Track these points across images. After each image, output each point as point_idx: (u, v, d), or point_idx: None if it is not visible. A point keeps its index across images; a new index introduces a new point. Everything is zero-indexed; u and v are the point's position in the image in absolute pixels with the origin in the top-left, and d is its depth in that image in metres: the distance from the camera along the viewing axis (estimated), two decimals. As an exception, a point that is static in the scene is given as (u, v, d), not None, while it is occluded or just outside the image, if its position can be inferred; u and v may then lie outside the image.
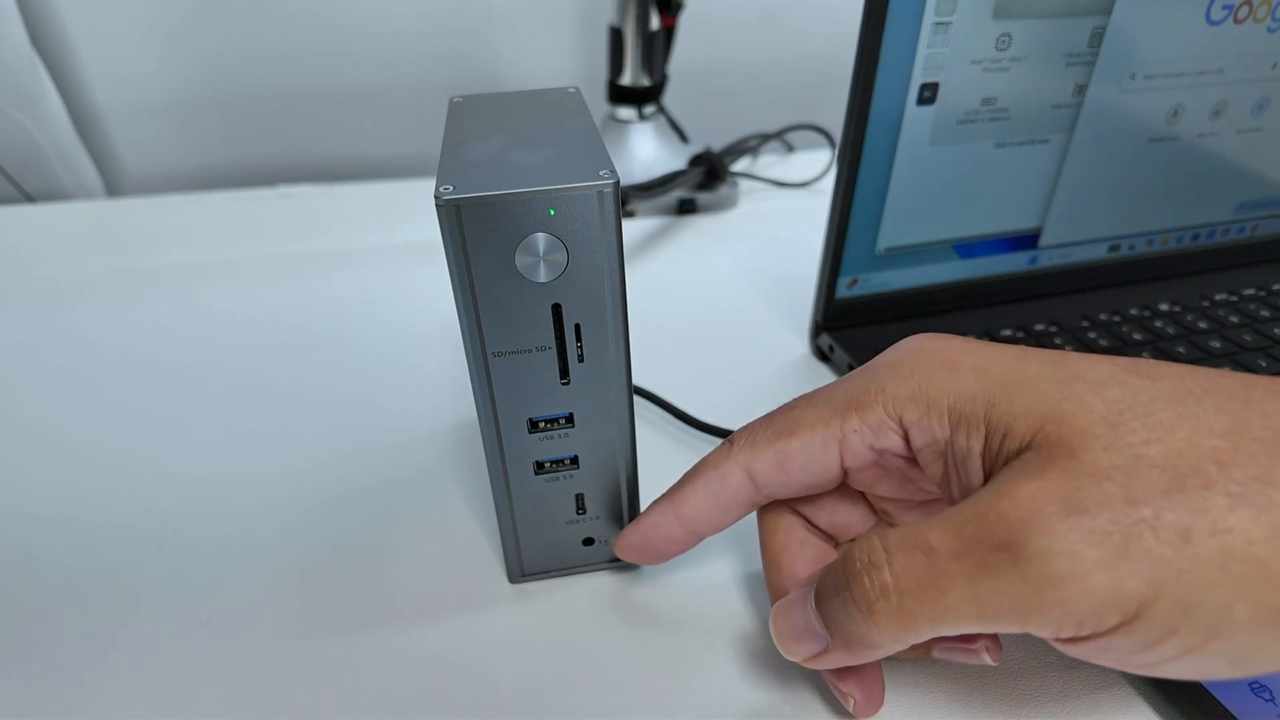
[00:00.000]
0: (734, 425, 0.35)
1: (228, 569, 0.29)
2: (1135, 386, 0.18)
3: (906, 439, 0.21)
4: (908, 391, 0.21)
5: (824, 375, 0.41)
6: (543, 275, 0.22)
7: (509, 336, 0.23)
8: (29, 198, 0.62)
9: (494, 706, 0.24)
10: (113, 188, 0.68)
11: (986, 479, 0.19)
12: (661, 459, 0.30)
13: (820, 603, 0.20)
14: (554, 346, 0.24)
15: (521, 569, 0.29)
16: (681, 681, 0.25)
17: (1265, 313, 0.43)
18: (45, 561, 0.30)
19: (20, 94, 0.58)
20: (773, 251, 0.52)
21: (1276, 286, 0.45)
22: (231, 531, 0.31)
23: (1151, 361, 0.19)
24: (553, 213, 0.21)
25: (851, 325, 0.40)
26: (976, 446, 0.19)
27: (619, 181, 0.21)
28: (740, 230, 0.55)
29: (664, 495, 0.25)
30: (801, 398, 0.24)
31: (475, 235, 0.21)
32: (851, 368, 0.39)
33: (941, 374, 0.21)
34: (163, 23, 0.62)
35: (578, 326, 0.23)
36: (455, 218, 0.21)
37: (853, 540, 0.22)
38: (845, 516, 0.25)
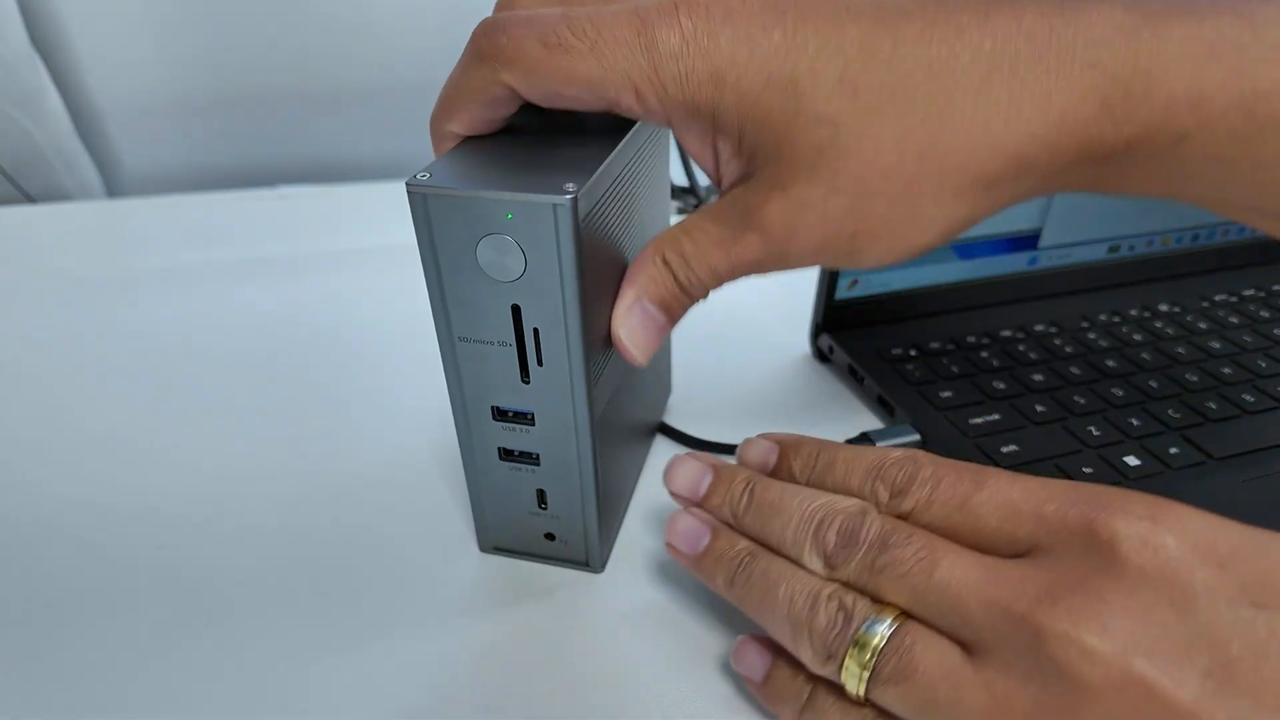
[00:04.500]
0: (734, 426, 0.35)
1: (229, 568, 0.29)
2: (843, 118, 0.21)
3: (674, 128, 0.23)
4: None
5: (824, 376, 0.41)
6: (501, 275, 0.23)
7: (472, 325, 0.24)
8: (29, 198, 0.62)
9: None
10: (113, 188, 0.68)
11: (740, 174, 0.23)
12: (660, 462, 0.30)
13: (665, 305, 0.24)
14: (514, 344, 0.24)
15: (490, 542, 0.30)
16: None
17: (1265, 313, 0.43)
18: (45, 562, 0.30)
19: (21, 94, 0.58)
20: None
21: (1276, 287, 0.45)
22: (232, 530, 0.31)
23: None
24: (510, 217, 0.21)
25: (852, 326, 0.40)
26: (728, 149, 0.22)
27: (577, 199, 0.21)
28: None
29: (437, 116, 0.24)
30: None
31: (441, 225, 0.22)
32: (852, 369, 0.39)
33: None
34: (163, 23, 0.62)
35: (536, 331, 0.24)
36: (422, 206, 0.22)
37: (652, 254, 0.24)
38: None
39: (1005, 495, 0.20)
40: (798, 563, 0.22)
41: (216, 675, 0.26)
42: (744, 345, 0.43)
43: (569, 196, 0.21)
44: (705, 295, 0.24)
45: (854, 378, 0.39)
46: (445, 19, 0.65)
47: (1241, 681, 0.16)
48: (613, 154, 0.23)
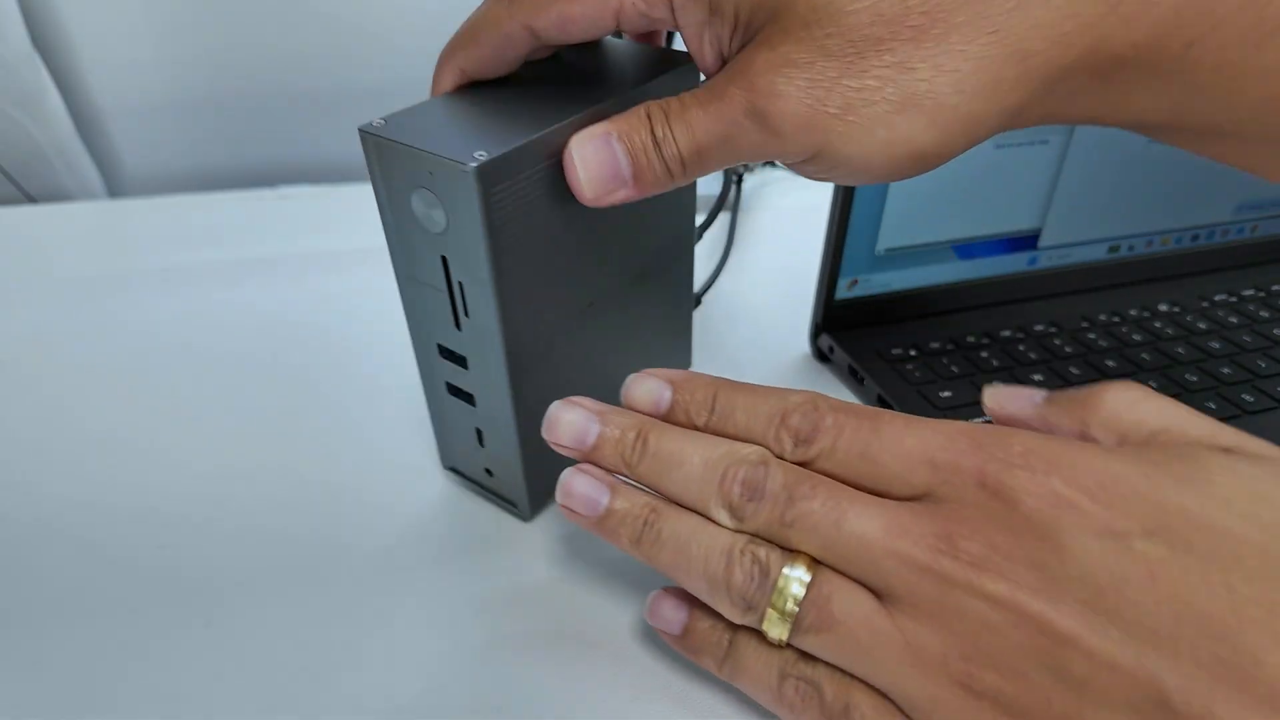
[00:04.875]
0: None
1: (229, 569, 0.29)
2: None
3: (675, 15, 0.24)
4: None
5: (824, 376, 0.41)
6: (430, 226, 0.24)
7: (417, 267, 0.25)
8: (30, 198, 0.62)
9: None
10: (113, 188, 0.68)
11: (738, 52, 0.23)
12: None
13: (629, 155, 0.23)
14: (445, 292, 0.25)
15: (448, 463, 0.33)
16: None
17: (1265, 313, 0.43)
18: (45, 562, 0.30)
19: (21, 94, 0.58)
20: (773, 251, 0.52)
21: (1276, 287, 0.45)
22: (232, 530, 0.31)
23: None
24: (432, 174, 0.22)
25: (851, 326, 0.40)
26: (727, 31, 0.23)
27: (486, 167, 0.21)
28: (740, 229, 0.55)
29: (446, 54, 0.26)
30: None
31: (385, 171, 0.24)
32: (852, 369, 0.39)
33: None
34: (164, 22, 0.62)
35: (460, 284, 0.25)
36: (372, 150, 0.24)
37: (636, 112, 0.24)
38: None
39: (901, 443, 0.21)
40: (704, 515, 0.22)
41: (217, 675, 0.26)
42: (744, 345, 0.43)
43: (475, 164, 0.21)
44: (680, 168, 0.23)
45: (854, 378, 0.39)
46: (445, 19, 0.65)
47: (1110, 607, 0.17)
48: (562, 123, 0.24)
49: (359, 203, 0.60)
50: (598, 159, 0.23)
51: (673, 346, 0.38)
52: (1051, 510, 0.18)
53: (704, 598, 0.22)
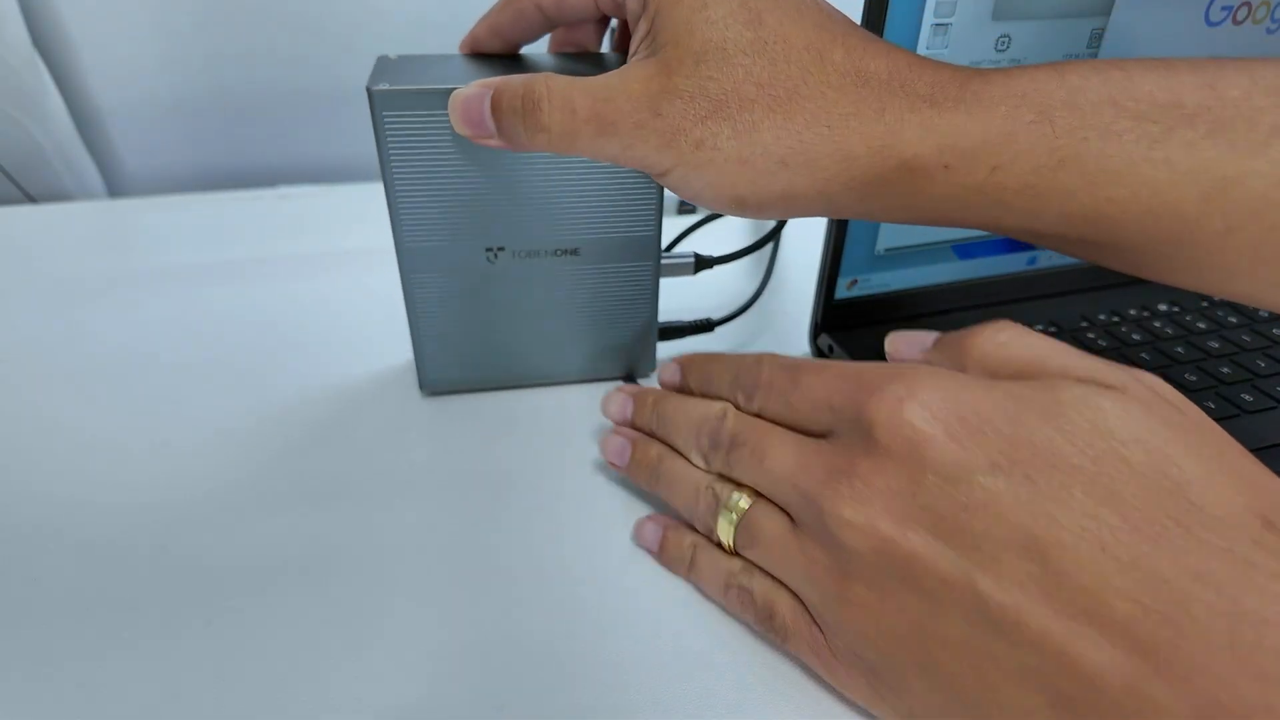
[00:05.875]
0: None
1: (229, 567, 0.30)
2: (737, 33, 0.24)
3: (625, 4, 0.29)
4: None
5: (824, 375, 0.41)
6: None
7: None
8: (30, 198, 0.62)
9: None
10: (114, 188, 0.68)
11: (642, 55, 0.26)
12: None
13: (496, 110, 0.27)
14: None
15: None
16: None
17: (1264, 312, 0.43)
18: (45, 562, 0.30)
19: (21, 94, 0.58)
20: (774, 250, 0.52)
21: (1275, 287, 0.45)
22: (232, 529, 0.31)
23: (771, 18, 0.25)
24: (369, 92, 0.30)
25: (851, 326, 0.40)
26: (643, 30, 0.26)
27: (383, 92, 0.29)
28: (740, 230, 0.55)
29: (482, 17, 0.32)
30: None
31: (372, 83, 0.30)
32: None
33: None
34: (164, 23, 0.62)
35: (385, 190, 0.32)
36: (377, 67, 0.31)
37: (531, 78, 0.27)
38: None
39: (813, 391, 0.25)
40: (690, 461, 0.29)
41: (217, 675, 0.26)
42: (743, 345, 0.43)
43: (372, 89, 0.30)
44: (545, 140, 0.26)
45: (853, 377, 0.39)
46: (444, 20, 0.65)
47: (949, 531, 0.20)
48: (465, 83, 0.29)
49: (359, 203, 0.60)
50: (467, 106, 0.27)
51: (633, 340, 0.39)
52: (911, 445, 0.21)
53: (684, 517, 0.29)
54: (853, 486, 0.22)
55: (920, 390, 0.22)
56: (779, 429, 0.26)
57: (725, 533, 0.27)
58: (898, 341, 0.27)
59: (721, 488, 0.27)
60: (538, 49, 0.35)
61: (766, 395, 0.27)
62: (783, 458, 0.25)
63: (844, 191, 0.25)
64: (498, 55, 0.33)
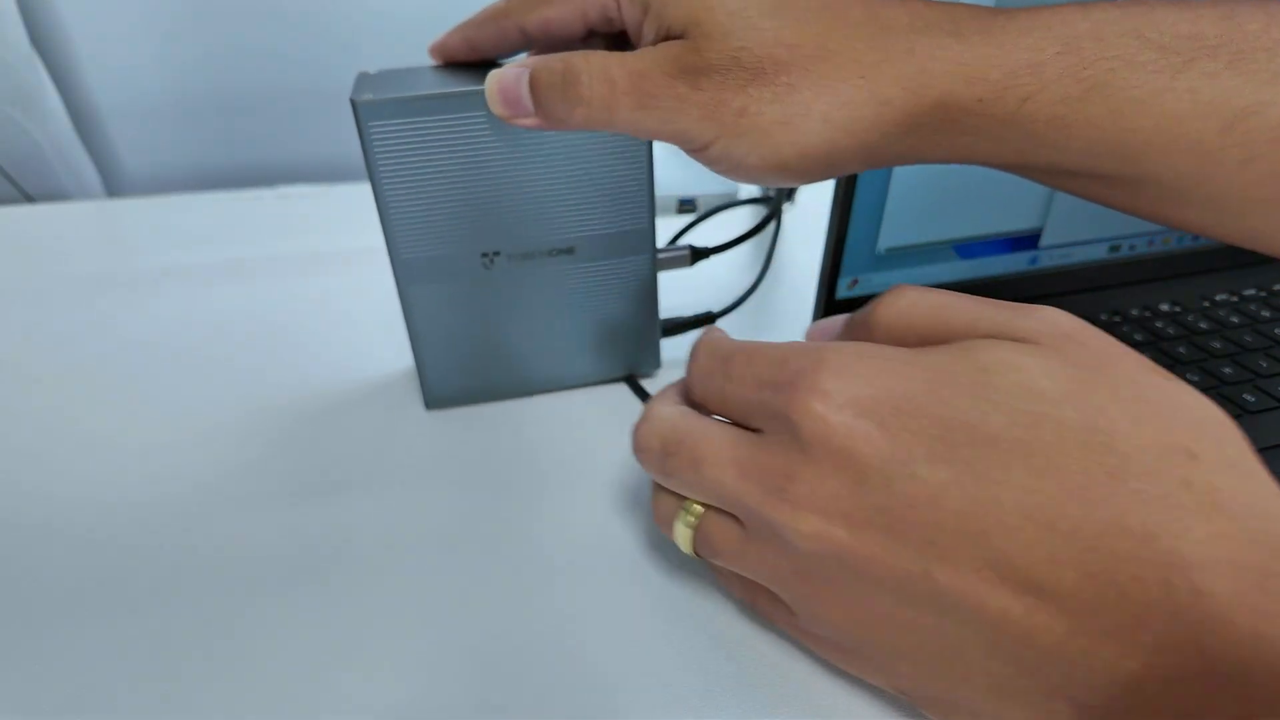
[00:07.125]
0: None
1: (229, 567, 0.29)
2: (756, 2, 0.25)
3: (621, 14, 0.29)
4: None
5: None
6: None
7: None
8: (29, 198, 0.62)
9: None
10: (113, 188, 0.68)
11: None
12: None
13: (535, 87, 0.27)
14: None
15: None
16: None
17: (1266, 313, 0.43)
18: (45, 561, 0.30)
19: (20, 94, 0.58)
20: (775, 251, 0.52)
21: (1277, 287, 0.45)
22: (232, 528, 0.31)
23: None
24: (353, 105, 0.30)
25: (852, 325, 0.40)
26: (652, 30, 0.27)
27: (367, 104, 0.29)
28: (740, 229, 0.55)
29: (459, 25, 0.32)
30: None
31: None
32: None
33: None
34: (163, 22, 0.62)
35: (376, 202, 0.32)
36: (355, 114, 0.30)
37: (569, 54, 0.27)
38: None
39: (742, 381, 0.24)
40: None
41: (217, 675, 0.26)
42: (746, 338, 0.43)
43: (356, 101, 0.29)
44: (585, 114, 0.26)
45: (854, 377, 0.39)
46: (444, 20, 0.65)
47: (900, 528, 0.20)
48: (448, 90, 0.30)
49: (358, 202, 0.60)
50: (504, 87, 0.27)
51: (635, 339, 0.38)
52: (847, 446, 0.21)
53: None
54: (798, 494, 0.22)
55: (841, 378, 0.21)
56: (713, 426, 0.25)
57: (684, 543, 0.26)
58: (815, 331, 0.28)
59: (673, 503, 0.26)
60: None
61: (705, 385, 0.26)
62: (718, 465, 0.24)
63: (883, 139, 0.25)
64: (477, 64, 0.32)
